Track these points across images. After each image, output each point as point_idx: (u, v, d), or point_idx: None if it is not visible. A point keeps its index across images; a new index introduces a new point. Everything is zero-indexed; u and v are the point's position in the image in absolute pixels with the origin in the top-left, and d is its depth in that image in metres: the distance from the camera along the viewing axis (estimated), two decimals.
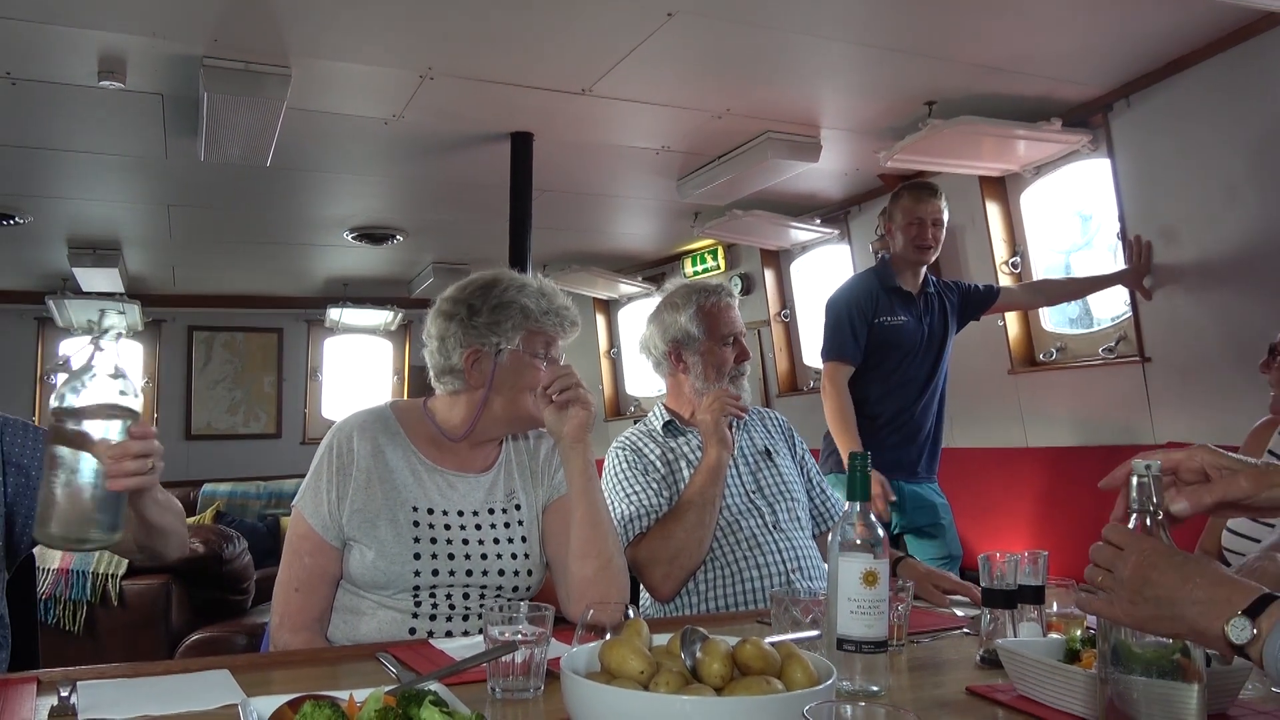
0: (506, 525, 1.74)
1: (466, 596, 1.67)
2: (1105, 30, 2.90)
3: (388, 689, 0.89)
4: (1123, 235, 3.39)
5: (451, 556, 1.66)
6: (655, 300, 2.29)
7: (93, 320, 1.21)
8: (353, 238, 5.37)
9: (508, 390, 1.72)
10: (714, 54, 3.08)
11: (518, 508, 1.77)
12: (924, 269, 3.29)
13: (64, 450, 1.18)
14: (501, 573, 1.70)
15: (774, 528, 2.07)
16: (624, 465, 2.10)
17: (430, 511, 1.68)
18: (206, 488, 6.39)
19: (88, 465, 1.19)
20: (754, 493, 2.11)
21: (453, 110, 3.54)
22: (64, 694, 1.13)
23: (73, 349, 1.20)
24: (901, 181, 4.29)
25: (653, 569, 1.98)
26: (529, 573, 1.74)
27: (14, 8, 2.62)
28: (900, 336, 3.21)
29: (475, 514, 1.72)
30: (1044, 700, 1.15)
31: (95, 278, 5.78)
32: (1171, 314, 3.29)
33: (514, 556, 1.72)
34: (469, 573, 1.67)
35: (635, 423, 2.23)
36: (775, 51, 3.05)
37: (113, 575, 2.99)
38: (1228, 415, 3.01)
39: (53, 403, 1.20)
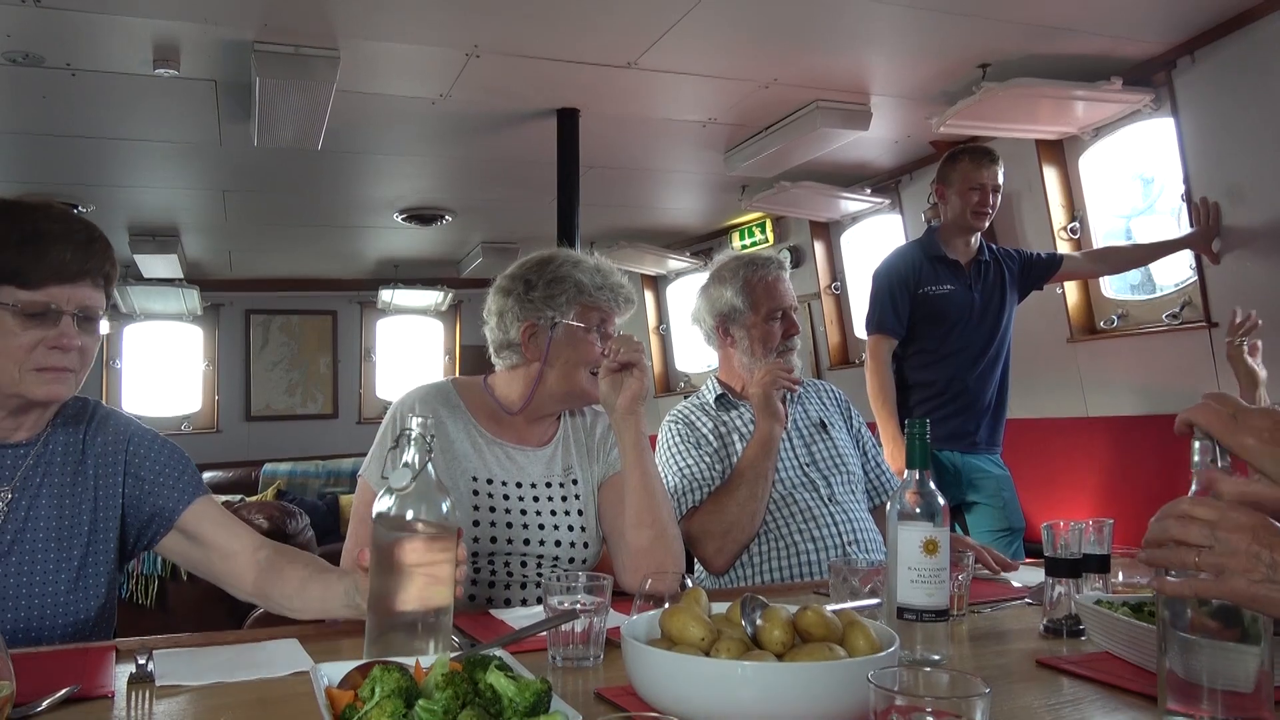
0: (564, 499, 1.76)
1: (524, 565, 1.70)
2: None
3: (453, 655, 0.90)
4: (1187, 197, 3.28)
5: (510, 525, 1.68)
6: (704, 275, 2.28)
7: (408, 429, 1.20)
8: (402, 219, 5.43)
9: (561, 364, 1.74)
10: (761, 22, 3.03)
11: (575, 482, 1.79)
12: (978, 236, 3.22)
13: (426, 562, 1.16)
14: (559, 543, 1.72)
15: (829, 500, 2.06)
16: (676, 439, 2.10)
17: (490, 482, 1.70)
18: (267, 467, 6.55)
19: (444, 581, 1.17)
20: (808, 465, 2.10)
21: (499, 88, 3.54)
22: (141, 661, 1.16)
23: (401, 454, 1.18)
24: (953, 147, 4.21)
25: (706, 542, 1.99)
26: (585, 545, 1.75)
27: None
28: (947, 306, 3.14)
29: (534, 486, 1.75)
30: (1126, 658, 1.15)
31: (156, 264, 5.92)
32: (1239, 277, 3.18)
33: (570, 529, 1.74)
34: (526, 542, 1.69)
35: (686, 397, 2.23)
36: (823, 17, 2.99)
37: None
38: None
39: (398, 510, 1.16)
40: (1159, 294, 3.63)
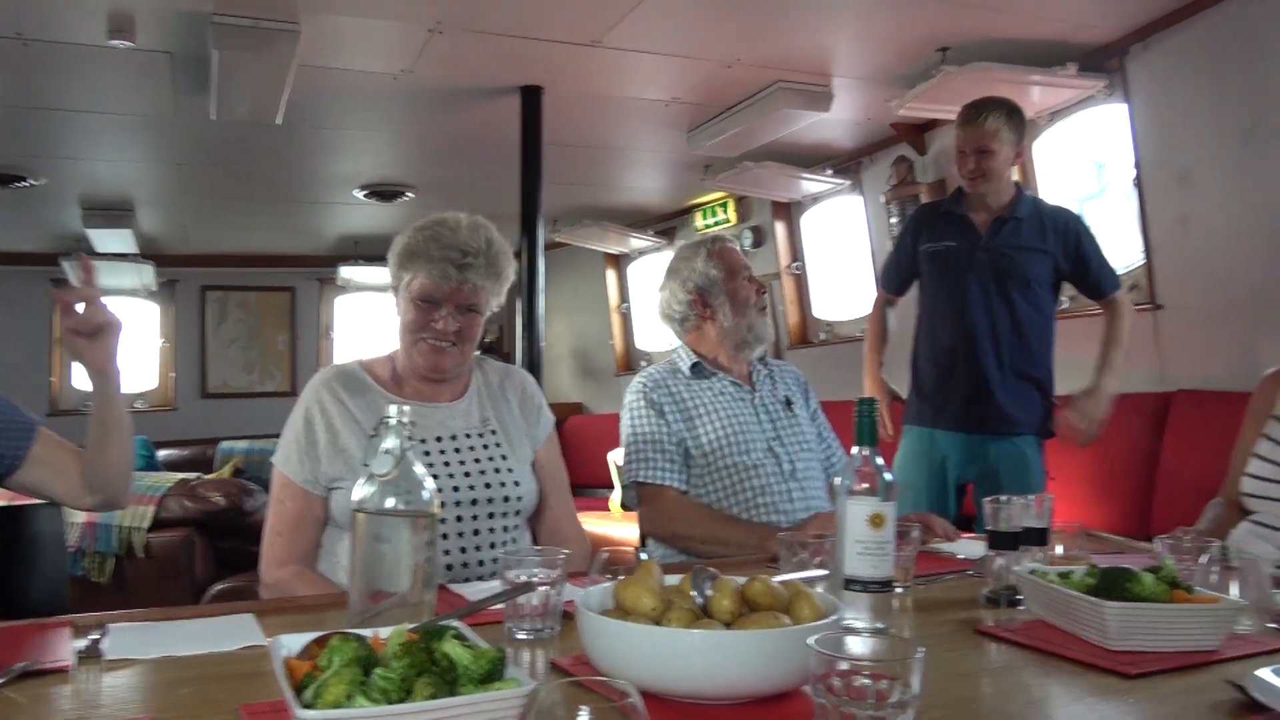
0: (485, 446, 1.78)
1: (460, 520, 1.71)
2: None
3: (410, 626, 0.92)
4: (1138, 182, 3.36)
5: (436, 476, 1.69)
6: (666, 254, 2.33)
7: (387, 417, 1.22)
8: (363, 195, 5.38)
9: (400, 329, 1.77)
10: (724, 2, 3.05)
11: (494, 432, 1.81)
12: (1007, 191, 2.81)
13: (409, 546, 1.19)
14: (489, 485, 1.73)
15: (790, 476, 2.11)
16: (641, 401, 2.13)
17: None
18: (223, 445, 6.48)
19: (428, 563, 1.22)
20: (774, 441, 2.14)
21: (462, 64, 3.52)
22: (94, 637, 1.17)
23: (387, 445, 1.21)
24: (914, 131, 4.26)
25: (656, 524, 2.06)
26: (516, 483, 1.77)
27: None
28: (943, 261, 2.84)
29: (453, 438, 1.76)
30: (1058, 625, 1.22)
31: (109, 239, 5.82)
32: (1184, 261, 3.27)
33: (497, 470, 1.76)
34: (456, 489, 1.70)
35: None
36: None
37: (137, 528, 3.07)
38: (1240, 362, 3.01)
39: (380, 497, 1.19)
40: None
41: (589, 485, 5.88)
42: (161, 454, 6.18)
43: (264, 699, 0.98)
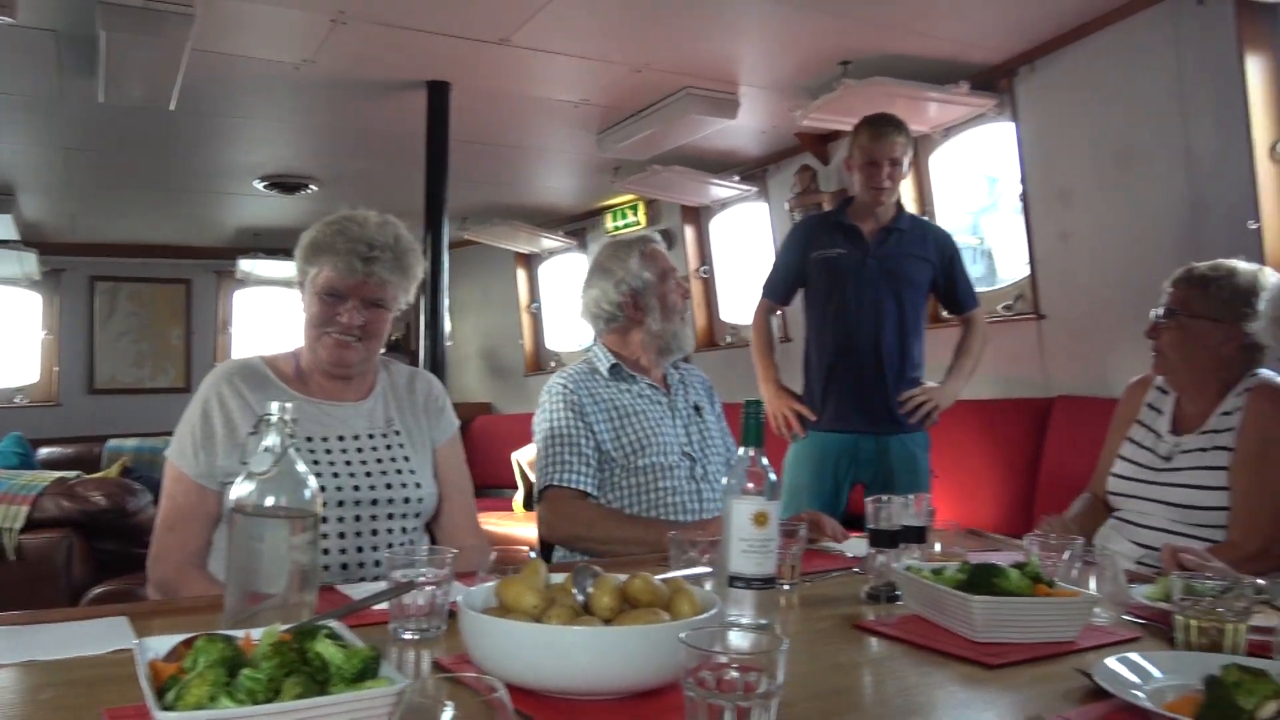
0: (389, 447, 1.77)
1: (358, 519, 1.69)
2: None
3: (284, 627, 0.90)
4: (1024, 198, 3.51)
5: (336, 475, 1.68)
6: (578, 255, 2.32)
7: (268, 414, 1.19)
8: (264, 186, 5.22)
9: (305, 325, 1.75)
10: (634, 6, 3.07)
11: (397, 433, 1.80)
12: (893, 205, 2.96)
13: (287, 548, 1.16)
14: (389, 486, 1.73)
15: (700, 479, 2.14)
16: (559, 400, 2.11)
17: (309, 439, 1.69)
18: (111, 443, 6.18)
19: (307, 566, 1.19)
20: (685, 445, 2.17)
21: (367, 56, 3.46)
22: None
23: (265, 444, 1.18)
24: (817, 141, 4.37)
25: (555, 528, 2.06)
26: (418, 485, 1.76)
27: None
28: (833, 268, 2.93)
29: (356, 438, 1.75)
30: (931, 619, 1.28)
31: None
32: (1066, 274, 3.44)
33: (399, 472, 1.75)
34: (356, 488, 1.69)
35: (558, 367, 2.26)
36: (694, 6, 3.06)
37: (8, 529, 2.91)
38: (1113, 370, 3.18)
39: (259, 496, 1.15)
40: (997, 286, 3.88)
41: (495, 485, 5.83)
42: (43, 452, 5.87)
43: (131, 703, 0.95)
